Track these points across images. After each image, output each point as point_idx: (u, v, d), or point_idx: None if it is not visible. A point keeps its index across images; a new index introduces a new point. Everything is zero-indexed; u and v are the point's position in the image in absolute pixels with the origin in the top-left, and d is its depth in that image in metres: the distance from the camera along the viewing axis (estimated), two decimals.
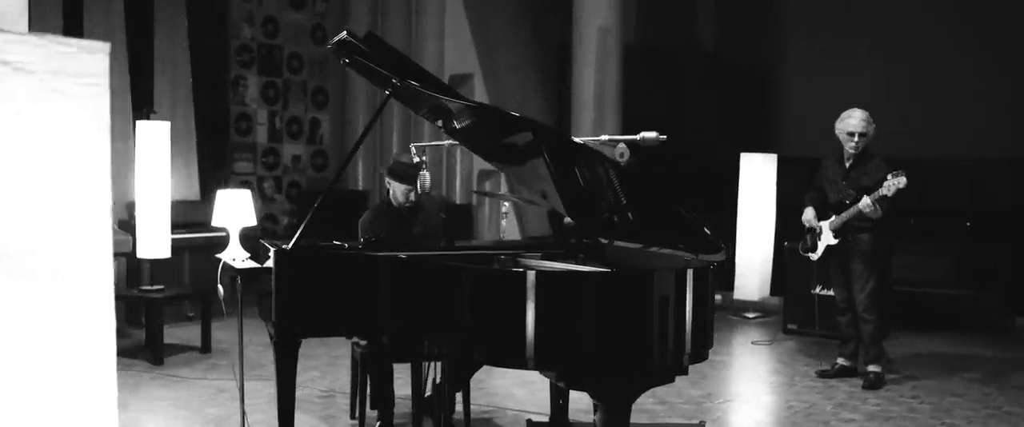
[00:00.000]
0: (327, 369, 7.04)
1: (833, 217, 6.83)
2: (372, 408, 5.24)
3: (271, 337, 4.49)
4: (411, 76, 4.32)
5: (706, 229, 4.12)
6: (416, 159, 5.02)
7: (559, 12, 11.66)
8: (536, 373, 3.99)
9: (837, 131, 6.78)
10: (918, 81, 10.87)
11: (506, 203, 5.95)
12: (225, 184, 11.00)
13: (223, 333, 7.91)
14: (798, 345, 8.32)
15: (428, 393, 5.39)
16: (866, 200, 6.48)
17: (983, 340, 8.53)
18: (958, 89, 10.70)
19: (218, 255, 5.09)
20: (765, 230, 10.14)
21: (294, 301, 4.31)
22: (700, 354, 3.87)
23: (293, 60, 12.49)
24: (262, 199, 12.18)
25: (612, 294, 3.69)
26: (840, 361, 7.06)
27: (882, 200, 6.46)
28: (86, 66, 1.96)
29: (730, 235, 10.07)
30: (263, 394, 6.11)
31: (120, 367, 7.03)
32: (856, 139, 6.68)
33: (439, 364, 5.22)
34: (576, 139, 4.28)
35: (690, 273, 3.80)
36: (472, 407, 5.50)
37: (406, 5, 12.30)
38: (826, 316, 8.39)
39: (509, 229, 7.30)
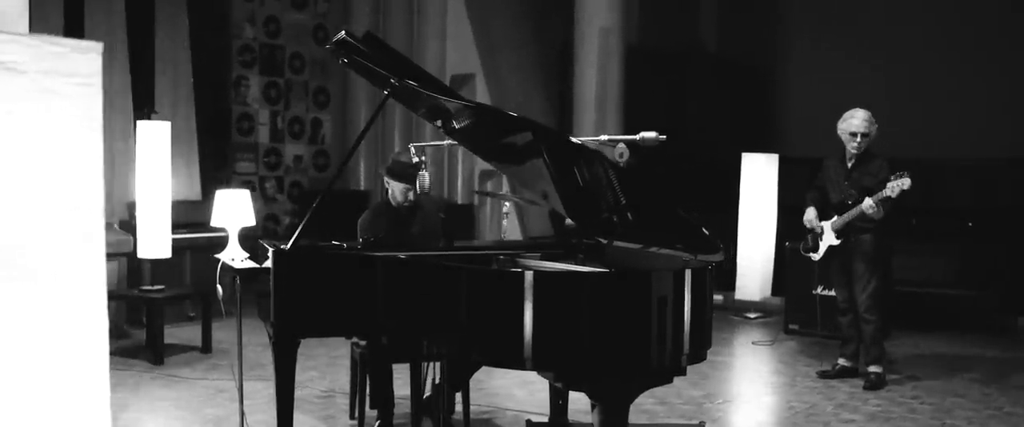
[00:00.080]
0: (327, 369, 7.03)
1: (835, 217, 6.82)
2: (371, 408, 5.24)
3: (270, 337, 4.49)
4: (409, 76, 4.32)
5: (704, 229, 4.11)
6: (415, 159, 5.01)
7: (561, 12, 11.66)
8: (535, 373, 3.99)
9: (839, 131, 6.76)
10: (920, 81, 10.86)
11: (507, 203, 5.95)
12: (227, 184, 11.00)
13: (224, 333, 7.90)
14: (799, 345, 8.31)
15: (428, 393, 5.39)
16: (868, 201, 6.46)
17: (984, 340, 8.52)
18: (959, 89, 10.70)
19: (217, 255, 5.09)
20: (766, 230, 10.13)
21: (292, 301, 4.31)
22: (698, 355, 3.86)
23: (295, 60, 12.49)
24: (264, 199, 12.18)
25: (610, 294, 3.68)
26: (841, 361, 7.05)
27: (885, 201, 6.44)
28: (78, 66, 1.96)
29: (731, 235, 10.06)
30: (263, 394, 6.11)
31: (121, 367, 7.07)
32: (858, 139, 6.67)
33: (438, 364, 5.22)
34: (574, 139, 4.27)
35: (688, 273, 3.79)
36: (472, 407, 5.50)
37: (408, 5, 12.29)
38: (827, 316, 8.38)
39: (510, 229, 7.29)
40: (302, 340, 4.49)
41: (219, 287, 5.19)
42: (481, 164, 11.30)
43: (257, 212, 11.87)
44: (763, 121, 12.55)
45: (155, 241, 7.53)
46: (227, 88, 11.79)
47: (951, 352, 8.08)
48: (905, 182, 6.29)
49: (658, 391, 6.10)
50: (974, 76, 10.63)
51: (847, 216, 6.69)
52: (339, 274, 4.34)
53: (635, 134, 4.54)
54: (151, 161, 7.54)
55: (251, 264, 4.80)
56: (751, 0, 12.87)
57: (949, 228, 10.02)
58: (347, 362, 6.36)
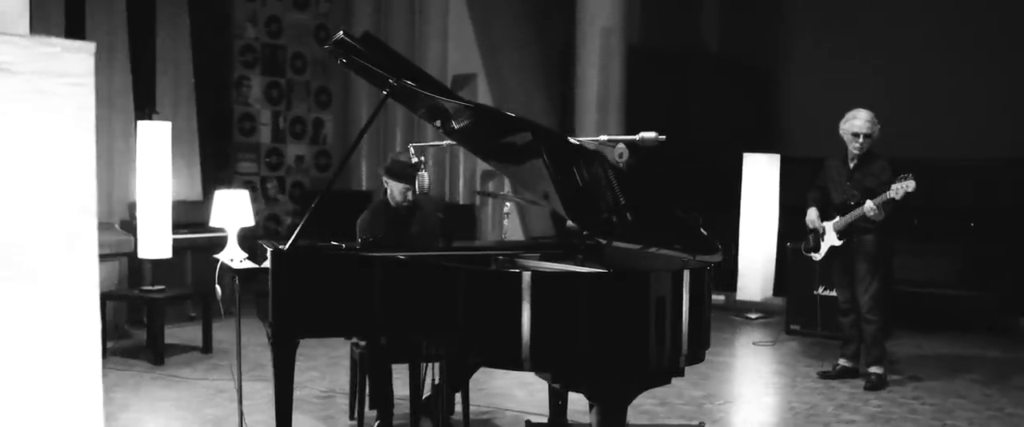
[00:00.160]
0: (327, 369, 7.03)
1: (837, 218, 6.81)
2: (371, 409, 5.24)
3: (269, 338, 4.49)
4: (407, 76, 4.32)
5: (703, 230, 4.11)
6: (414, 159, 5.01)
7: (562, 12, 11.65)
8: (534, 374, 3.98)
9: (841, 132, 6.75)
10: (921, 81, 10.85)
11: (508, 203, 5.94)
12: (228, 184, 11.00)
13: (225, 333, 7.90)
14: (800, 346, 8.30)
15: (427, 394, 5.38)
16: (869, 204, 6.46)
17: (985, 341, 8.50)
18: (961, 89, 10.68)
19: (216, 256, 5.08)
20: (768, 230, 10.12)
21: (291, 302, 4.31)
22: (697, 355, 3.86)
23: (296, 60, 12.49)
24: (265, 200, 12.18)
25: (608, 295, 3.68)
26: (842, 362, 7.04)
27: (887, 203, 6.43)
28: (70, 66, 1.95)
29: (733, 235, 10.05)
30: (264, 394, 6.11)
31: (121, 367, 7.08)
32: (861, 140, 6.65)
33: (438, 365, 5.21)
34: (572, 139, 4.27)
35: (687, 274, 3.78)
36: (471, 408, 5.49)
37: (409, 5, 12.29)
38: (827, 317, 8.37)
39: (511, 229, 7.29)
40: (302, 340, 4.49)
41: (218, 287, 5.19)
42: (482, 164, 11.30)
43: (259, 212, 11.97)
44: (765, 121, 12.55)
45: (156, 241, 7.54)
46: (229, 88, 11.79)
47: (952, 353, 8.06)
48: (909, 185, 6.28)
49: (658, 391, 6.09)
50: (975, 76, 10.62)
51: (849, 217, 6.68)
52: (337, 274, 4.34)
53: (635, 134, 4.53)
54: (152, 161, 7.54)
55: (250, 264, 4.80)
56: (753, 0, 12.86)
57: (950, 228, 10.01)
58: (347, 362, 6.35)
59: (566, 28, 11.58)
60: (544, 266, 4.42)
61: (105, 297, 7.51)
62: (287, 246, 4.28)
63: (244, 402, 5.31)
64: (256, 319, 4.85)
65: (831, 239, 6.86)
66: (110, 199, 9.32)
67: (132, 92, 9.64)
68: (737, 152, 10.28)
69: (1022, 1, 10.46)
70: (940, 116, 10.67)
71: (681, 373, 3.84)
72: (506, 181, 11.25)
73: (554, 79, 12.29)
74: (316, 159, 12.79)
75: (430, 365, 5.26)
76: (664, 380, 3.84)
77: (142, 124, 7.71)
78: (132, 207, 8.53)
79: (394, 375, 5.23)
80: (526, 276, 3.64)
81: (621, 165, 4.70)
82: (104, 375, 6.63)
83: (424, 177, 4.92)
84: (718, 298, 10.15)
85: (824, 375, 7.04)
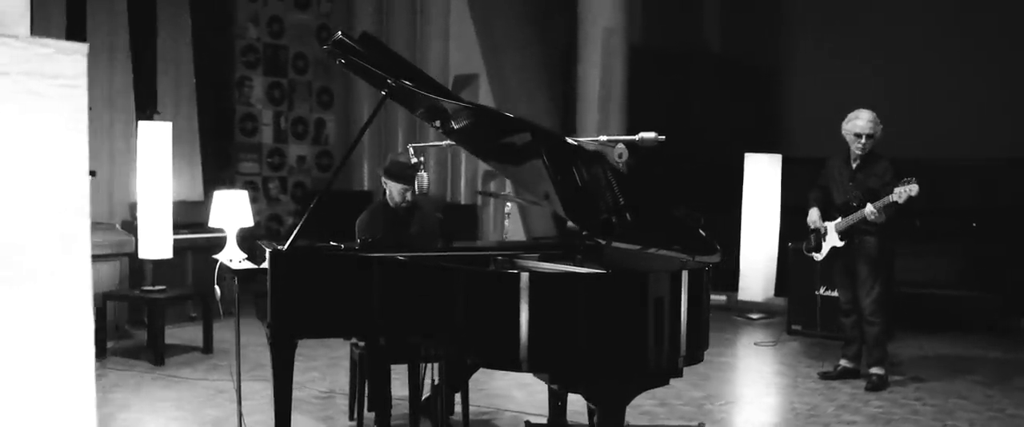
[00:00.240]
0: (327, 370, 7.03)
1: (839, 218, 6.79)
2: (370, 410, 5.23)
3: (268, 338, 4.48)
4: (406, 76, 4.31)
5: (701, 231, 4.10)
6: (414, 159, 5.00)
7: (564, 13, 11.64)
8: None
9: (844, 132, 6.73)
10: (923, 81, 10.83)
11: (509, 203, 5.94)
12: (230, 184, 11.01)
13: (225, 333, 7.89)
14: (802, 346, 8.28)
15: (427, 394, 5.38)
16: (870, 208, 6.44)
17: (987, 342, 8.48)
18: (962, 89, 10.67)
19: (215, 256, 5.08)
20: (769, 231, 10.11)
21: (289, 302, 4.31)
22: (695, 356, 3.85)
23: (298, 60, 12.49)
24: (267, 200, 12.18)
25: (606, 296, 3.67)
26: (843, 363, 7.02)
27: (889, 206, 6.41)
28: (63, 68, 1.94)
29: (735, 236, 10.04)
30: (264, 395, 6.10)
31: (121, 367, 7.07)
32: (863, 140, 6.63)
33: (437, 365, 5.20)
34: (570, 140, 4.26)
35: (685, 275, 3.77)
36: (471, 408, 5.48)
37: (411, 5, 12.29)
38: (827, 317, 8.37)
39: (513, 229, 7.28)
40: (302, 341, 4.49)
41: (217, 288, 5.19)
42: (484, 164, 11.29)
43: (261, 213, 11.98)
44: (766, 121, 12.53)
45: (156, 241, 7.54)
46: (230, 88, 11.79)
47: (954, 353, 8.05)
48: (913, 189, 6.25)
49: (658, 392, 6.08)
50: (975, 76, 10.60)
51: (851, 218, 6.67)
52: (335, 275, 4.34)
53: (636, 135, 4.52)
54: (152, 162, 7.55)
55: (249, 265, 4.80)
56: (754, 0, 12.84)
57: (952, 229, 9.99)
58: (348, 363, 6.35)
59: (568, 28, 11.57)
60: (543, 267, 4.41)
61: (106, 297, 7.52)
62: (285, 246, 4.28)
63: (245, 402, 5.30)
64: (256, 319, 4.85)
65: (833, 239, 6.85)
66: (111, 199, 9.33)
67: (133, 92, 9.65)
68: (738, 152, 10.28)
69: (1022, 1, 10.44)
70: (941, 116, 10.65)
71: (679, 374, 3.83)
72: (507, 181, 11.25)
73: (556, 79, 12.28)
74: (318, 159, 12.79)
75: (429, 366, 5.25)
76: (662, 381, 3.82)
77: (143, 124, 7.72)
78: (133, 207, 8.53)
79: (393, 376, 5.22)
80: (524, 277, 3.63)
81: (620, 165, 4.69)
82: (104, 375, 6.64)
83: (423, 177, 4.91)
84: (720, 298, 10.15)
85: (825, 376, 7.03)
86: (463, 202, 11.88)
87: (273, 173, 12.35)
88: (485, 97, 11.72)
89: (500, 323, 3.67)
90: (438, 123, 4.72)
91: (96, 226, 8.37)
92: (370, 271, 4.25)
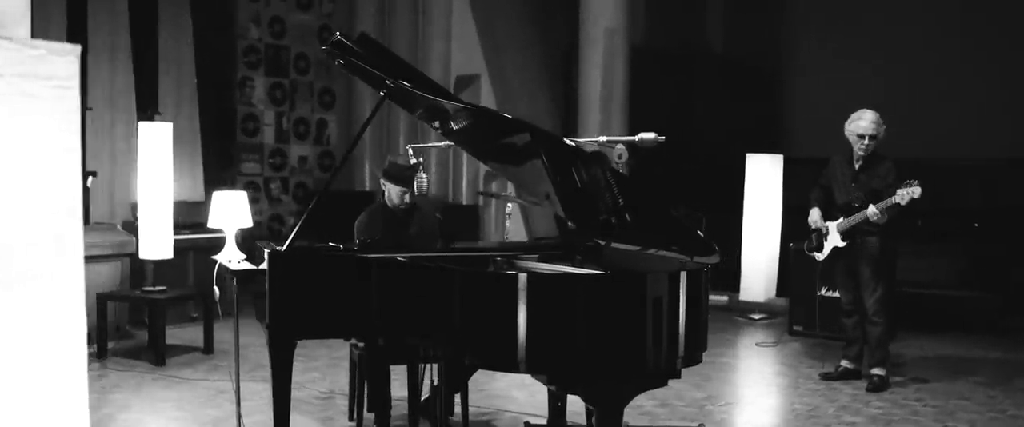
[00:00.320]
0: (328, 370, 7.03)
1: (841, 219, 6.78)
2: (369, 411, 5.23)
3: (267, 339, 4.48)
4: (404, 77, 4.31)
5: (702, 231, 4.10)
6: (413, 160, 5.00)
7: (566, 13, 11.64)
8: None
9: (847, 132, 6.72)
10: (925, 81, 10.83)
11: (509, 204, 5.94)
12: (232, 185, 11.02)
13: (227, 334, 7.89)
14: (803, 347, 8.27)
15: (426, 395, 5.37)
16: (872, 209, 6.43)
17: (989, 342, 8.46)
18: (964, 89, 10.66)
19: (214, 257, 5.08)
20: (771, 231, 10.10)
21: (288, 303, 4.31)
22: (694, 357, 3.84)
23: (300, 61, 12.50)
24: (269, 200, 12.19)
25: (604, 296, 3.67)
26: (844, 363, 7.01)
27: (892, 208, 6.40)
28: (55, 69, 1.94)
29: (736, 236, 10.03)
30: (264, 395, 6.10)
31: (122, 368, 7.08)
32: (866, 141, 6.62)
33: (436, 366, 5.20)
34: (568, 140, 4.26)
35: (683, 275, 3.77)
36: (471, 409, 5.48)
37: (413, 6, 12.29)
38: (826, 318, 8.36)
39: (514, 230, 7.27)
40: (303, 341, 4.49)
41: (216, 288, 5.19)
42: (485, 165, 11.29)
43: (262, 213, 11.99)
44: (768, 121, 12.53)
45: (157, 242, 7.55)
46: (232, 88, 11.81)
47: (955, 354, 8.03)
48: (916, 191, 6.24)
49: (659, 393, 6.08)
50: (977, 76, 10.60)
51: (852, 219, 6.65)
52: (334, 276, 4.34)
53: (636, 135, 4.52)
54: (153, 162, 7.55)
55: (248, 266, 4.80)
56: (757, 1, 12.84)
57: (953, 229, 9.98)
58: (348, 364, 6.35)
59: (569, 29, 11.58)
60: (542, 267, 4.41)
61: (106, 298, 7.52)
62: (284, 247, 4.28)
63: (245, 403, 5.31)
64: (256, 320, 4.85)
65: (835, 240, 6.83)
66: (112, 200, 9.34)
67: (134, 92, 9.65)
68: (740, 152, 10.27)
69: (1022, 1, 10.44)
70: (943, 116, 10.65)
71: (678, 375, 3.82)
72: (508, 182, 11.26)
73: (557, 80, 12.28)
74: (320, 160, 12.80)
75: (428, 366, 5.25)
76: (661, 382, 3.82)
77: (144, 125, 7.72)
78: (134, 208, 8.54)
79: (393, 376, 5.22)
80: (522, 278, 3.63)
81: (620, 166, 4.69)
82: (105, 376, 6.65)
83: (422, 178, 4.91)
84: (721, 299, 10.14)
85: (826, 377, 7.02)
86: (465, 203, 11.87)
87: (275, 173, 12.36)
88: (487, 97, 11.72)
89: (498, 324, 3.66)
90: (437, 124, 4.72)
91: (97, 226, 8.41)
92: (368, 272, 4.25)
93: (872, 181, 6.64)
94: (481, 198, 11.71)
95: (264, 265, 4.34)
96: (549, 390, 5.11)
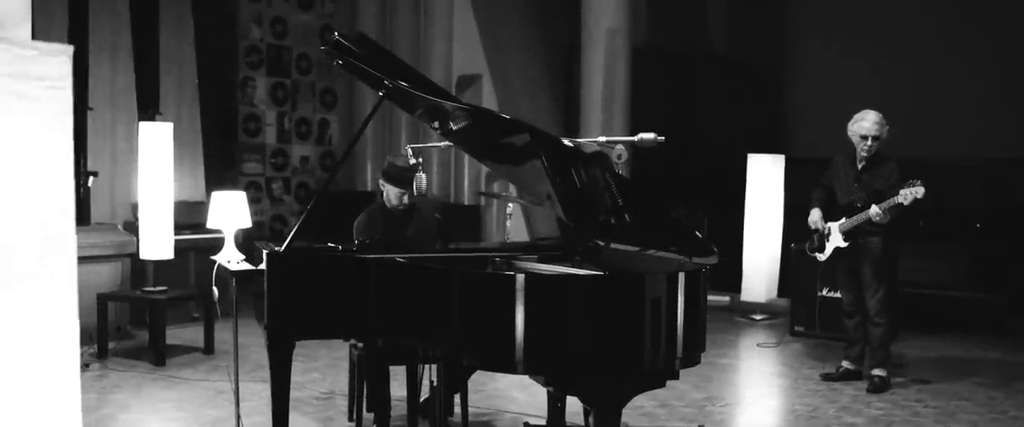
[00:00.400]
0: (328, 371, 7.02)
1: (843, 219, 6.77)
2: (368, 411, 5.23)
3: (266, 339, 4.48)
4: (402, 77, 4.31)
5: (702, 232, 4.09)
6: (412, 160, 4.99)
7: (568, 13, 11.63)
8: None
9: (850, 133, 6.71)
10: (927, 82, 10.81)
11: (510, 204, 5.93)
12: (233, 185, 11.02)
13: (227, 334, 7.89)
14: (804, 348, 8.26)
15: (426, 395, 5.37)
16: (875, 209, 6.42)
17: (990, 343, 8.44)
18: (967, 89, 10.64)
19: (213, 257, 5.08)
20: (773, 231, 10.09)
21: (286, 303, 4.30)
22: (692, 357, 3.83)
23: (301, 61, 12.50)
24: (271, 200, 12.19)
25: (603, 297, 3.66)
26: (845, 364, 7.00)
27: (894, 208, 6.39)
28: (48, 69, 1.94)
29: (737, 236, 10.01)
30: (264, 396, 6.08)
31: (123, 368, 7.08)
32: (869, 142, 6.61)
33: (436, 366, 5.19)
34: (567, 141, 4.25)
35: (682, 276, 3.76)
36: (470, 410, 5.47)
37: (414, 6, 12.29)
38: (826, 318, 8.35)
39: (515, 230, 7.27)
40: (303, 341, 4.48)
41: (215, 289, 5.19)
42: None
43: (264, 213, 11.99)
44: (770, 122, 12.51)
45: (157, 242, 7.55)
46: (233, 89, 11.81)
47: (957, 354, 8.02)
48: (918, 191, 6.23)
49: (659, 394, 6.07)
50: (978, 76, 10.58)
51: (854, 220, 6.64)
52: (332, 276, 4.33)
53: (636, 135, 4.52)
54: (154, 162, 7.55)
55: (247, 266, 4.79)
56: (758, 1, 12.82)
57: (956, 229, 9.96)
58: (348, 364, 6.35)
59: (571, 29, 11.56)
60: (540, 268, 4.40)
61: (107, 298, 7.53)
62: (282, 248, 4.28)
63: (245, 403, 5.31)
64: (255, 320, 4.85)
65: (836, 240, 6.82)
66: (112, 200, 9.34)
67: (135, 92, 9.66)
68: (741, 153, 10.25)
69: (1023, 1, 10.42)
70: (944, 116, 10.63)
71: (676, 376, 3.81)
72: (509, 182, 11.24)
73: (559, 80, 12.27)
74: (321, 160, 12.81)
75: (428, 367, 5.25)
76: (659, 383, 3.81)
77: (144, 125, 7.72)
78: (134, 208, 8.54)
79: (392, 377, 5.22)
80: (519, 278, 3.62)
81: (620, 166, 4.68)
82: (105, 376, 6.64)
83: (421, 178, 4.91)
84: (723, 299, 10.13)
85: (827, 377, 7.00)
86: (466, 203, 11.87)
87: (276, 173, 12.37)
88: (488, 97, 11.72)
89: (496, 325, 3.66)
90: (437, 124, 4.72)
91: (98, 226, 8.41)
92: (366, 272, 4.24)
93: (875, 182, 6.63)
94: (482, 198, 11.70)
95: (263, 265, 4.34)
96: (548, 391, 5.10)
